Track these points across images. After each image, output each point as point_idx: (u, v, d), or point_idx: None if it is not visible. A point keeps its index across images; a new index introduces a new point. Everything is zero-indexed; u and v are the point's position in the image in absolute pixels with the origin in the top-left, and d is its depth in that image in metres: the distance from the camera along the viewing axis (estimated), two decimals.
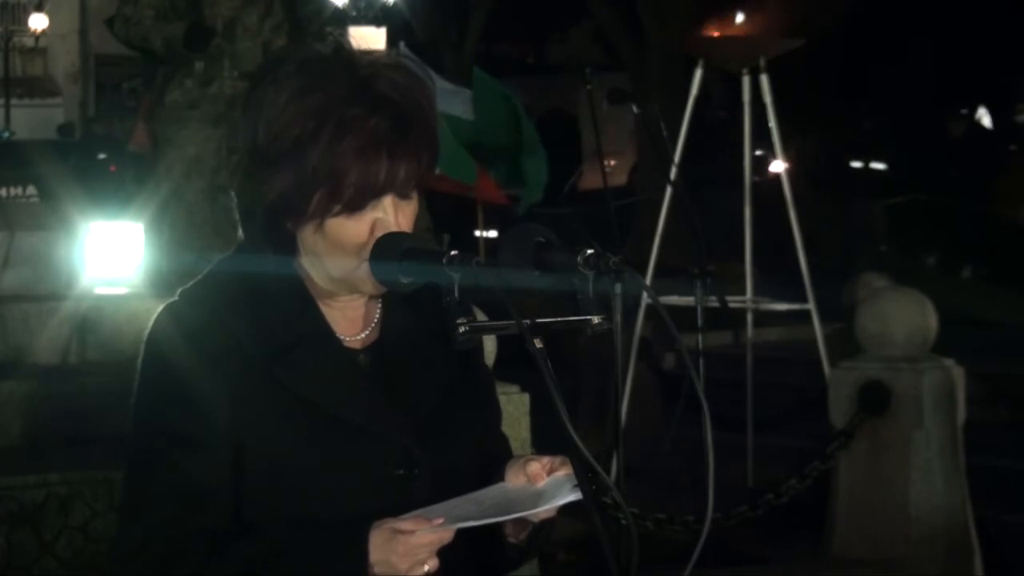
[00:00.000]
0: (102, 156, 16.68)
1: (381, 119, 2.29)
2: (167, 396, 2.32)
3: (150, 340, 2.35)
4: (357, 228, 2.32)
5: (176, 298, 2.38)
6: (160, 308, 2.38)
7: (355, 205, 2.30)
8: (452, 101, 9.38)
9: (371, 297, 2.42)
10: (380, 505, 2.26)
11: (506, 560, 2.45)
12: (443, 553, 2.23)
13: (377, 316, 2.44)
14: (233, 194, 2.41)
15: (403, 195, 2.34)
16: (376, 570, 2.22)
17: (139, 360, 2.36)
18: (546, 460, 2.35)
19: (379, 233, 2.32)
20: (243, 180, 2.38)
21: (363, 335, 2.42)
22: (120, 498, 2.41)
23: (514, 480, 2.35)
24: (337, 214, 2.31)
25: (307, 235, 2.35)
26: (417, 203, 2.38)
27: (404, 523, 2.21)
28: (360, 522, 2.23)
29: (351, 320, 2.41)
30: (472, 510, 2.25)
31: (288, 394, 2.31)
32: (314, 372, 2.33)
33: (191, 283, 2.40)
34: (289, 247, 2.38)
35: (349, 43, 2.37)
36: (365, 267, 2.33)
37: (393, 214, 2.33)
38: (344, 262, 2.34)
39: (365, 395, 2.36)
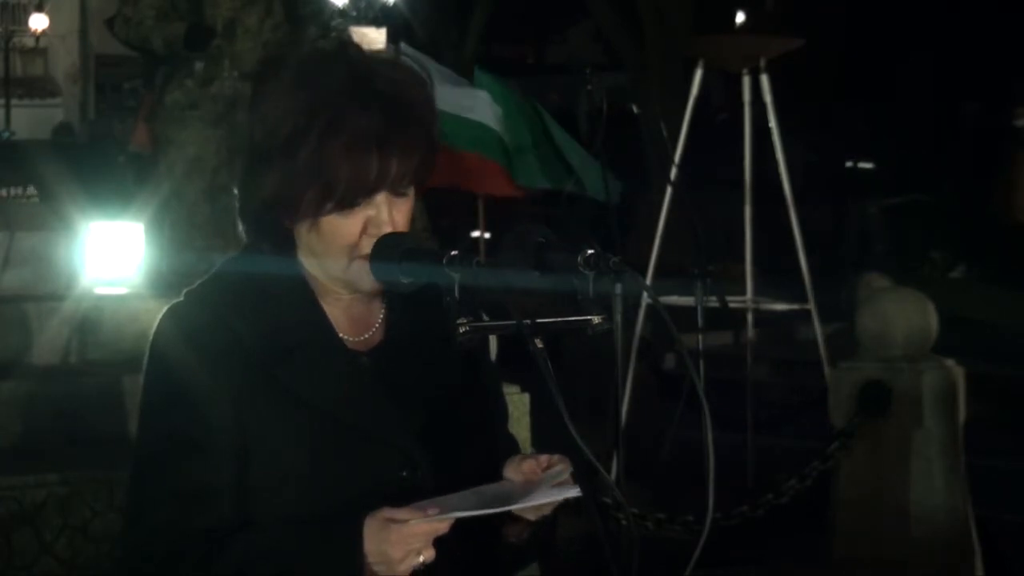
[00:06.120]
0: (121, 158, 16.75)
1: (373, 115, 2.29)
2: (170, 397, 2.32)
3: (154, 341, 2.35)
4: (349, 226, 2.32)
5: (181, 298, 2.38)
6: (164, 309, 2.38)
7: (347, 202, 2.30)
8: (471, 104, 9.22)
9: (374, 297, 2.42)
10: (382, 507, 2.24)
11: (507, 560, 2.45)
12: (444, 549, 2.23)
13: (381, 317, 2.44)
14: (235, 191, 2.41)
15: (397, 192, 2.34)
16: (371, 560, 2.21)
17: (144, 361, 2.36)
18: (543, 458, 2.35)
19: (372, 231, 2.31)
20: (242, 177, 2.39)
21: (366, 336, 2.42)
22: (125, 499, 2.41)
23: (512, 477, 2.36)
24: (330, 212, 2.31)
25: (303, 232, 2.35)
26: (413, 200, 2.37)
27: (398, 513, 2.21)
28: (355, 514, 2.23)
29: (355, 321, 2.41)
30: (468, 502, 2.25)
31: (291, 396, 2.31)
32: (317, 374, 2.33)
33: (196, 283, 2.40)
34: (287, 245, 2.38)
35: (350, 39, 2.38)
36: (358, 265, 2.32)
37: (387, 211, 2.32)
38: (337, 260, 2.34)
39: (368, 397, 2.35)
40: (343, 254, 2.33)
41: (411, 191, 2.36)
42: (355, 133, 2.28)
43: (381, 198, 2.32)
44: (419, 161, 2.34)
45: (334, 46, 2.38)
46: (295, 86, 2.31)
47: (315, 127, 2.28)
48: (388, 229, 2.32)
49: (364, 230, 2.32)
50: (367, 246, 2.32)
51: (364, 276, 2.33)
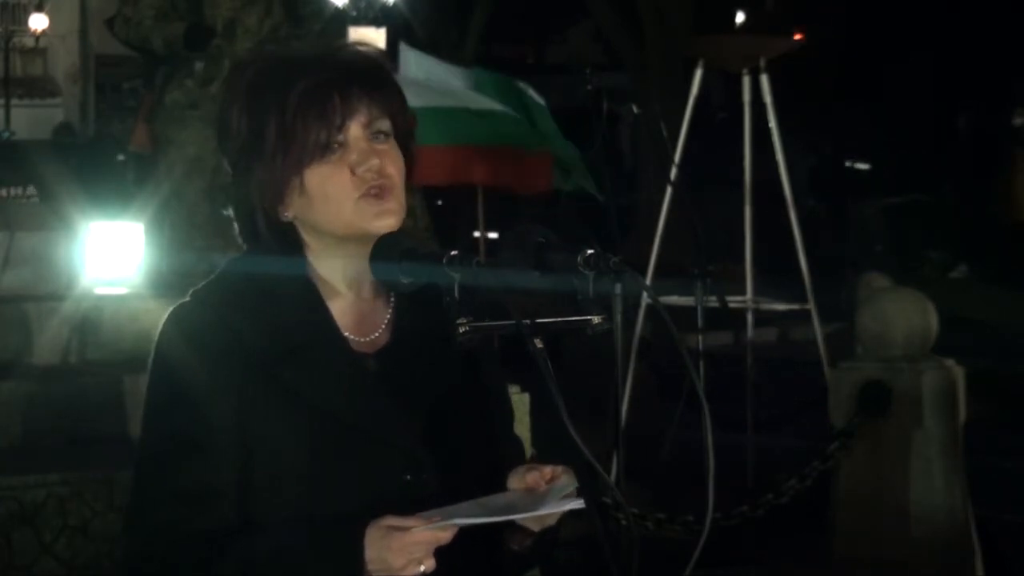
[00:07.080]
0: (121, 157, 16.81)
1: (324, 70, 2.32)
2: (172, 398, 2.32)
3: (157, 342, 2.36)
4: (336, 174, 2.32)
5: (187, 298, 2.38)
6: (169, 309, 2.38)
7: (321, 143, 2.30)
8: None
9: (380, 297, 2.42)
10: (386, 510, 2.24)
11: (509, 568, 2.44)
12: (446, 559, 2.23)
13: (387, 318, 2.43)
14: (228, 209, 2.41)
15: (375, 135, 2.34)
16: (371, 567, 2.21)
17: (150, 361, 2.36)
18: (548, 469, 2.34)
19: (361, 172, 2.32)
20: (230, 186, 2.39)
21: (372, 337, 2.41)
22: (126, 499, 2.41)
23: (516, 487, 2.35)
24: (310, 164, 2.31)
25: (298, 204, 2.34)
26: (401, 159, 2.37)
27: (401, 521, 2.21)
28: (357, 520, 2.23)
29: (360, 321, 2.40)
30: (472, 512, 2.25)
31: (292, 395, 2.31)
32: (320, 375, 2.33)
33: (202, 283, 2.40)
34: (293, 242, 2.38)
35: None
36: (358, 205, 2.31)
37: (368, 151, 2.32)
38: (338, 212, 2.33)
39: (371, 398, 2.35)
40: (341, 200, 2.32)
41: (392, 141, 2.36)
42: (309, 82, 2.31)
43: (357, 136, 2.32)
44: (391, 105, 2.35)
45: (267, 50, 2.46)
46: (241, 88, 2.35)
47: (272, 101, 2.31)
48: (376, 163, 2.32)
49: (354, 174, 2.32)
50: (361, 185, 2.32)
51: (369, 214, 2.32)
